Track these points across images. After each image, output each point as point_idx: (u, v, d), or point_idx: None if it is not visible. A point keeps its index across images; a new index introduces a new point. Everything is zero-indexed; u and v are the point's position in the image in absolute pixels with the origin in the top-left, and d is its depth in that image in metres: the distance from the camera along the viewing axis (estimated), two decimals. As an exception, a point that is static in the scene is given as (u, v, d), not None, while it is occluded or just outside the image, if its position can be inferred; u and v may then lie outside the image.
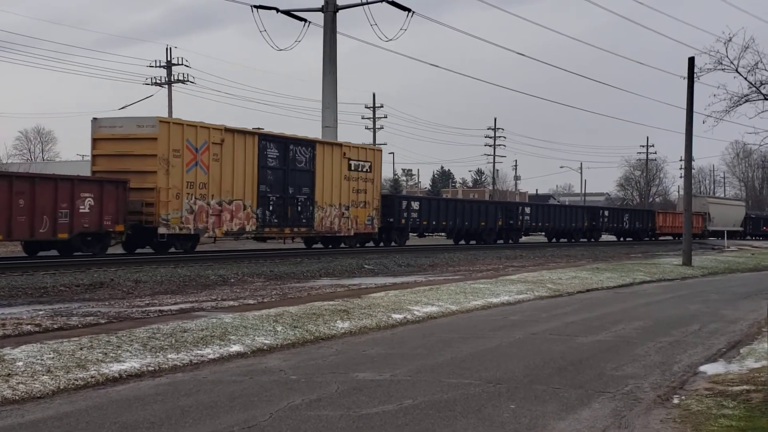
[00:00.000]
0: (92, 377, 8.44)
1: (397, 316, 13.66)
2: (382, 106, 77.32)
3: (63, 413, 7.17)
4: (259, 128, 29.20)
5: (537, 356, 10.33)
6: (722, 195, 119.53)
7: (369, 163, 34.57)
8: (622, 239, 61.81)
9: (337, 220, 32.76)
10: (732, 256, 40.12)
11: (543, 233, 52.96)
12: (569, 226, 53.19)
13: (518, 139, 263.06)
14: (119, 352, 9.39)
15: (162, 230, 25.42)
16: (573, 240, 53.63)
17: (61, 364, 8.61)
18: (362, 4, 39.61)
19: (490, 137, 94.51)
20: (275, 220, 29.87)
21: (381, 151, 36.20)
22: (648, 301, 18.15)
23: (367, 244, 35.91)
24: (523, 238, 50.55)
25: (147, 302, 14.61)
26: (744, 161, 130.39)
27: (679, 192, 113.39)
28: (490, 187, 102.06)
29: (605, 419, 7.26)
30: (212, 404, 7.54)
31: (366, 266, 25.23)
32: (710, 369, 9.84)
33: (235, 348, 10.32)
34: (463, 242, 44.61)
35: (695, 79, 30.72)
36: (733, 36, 25.82)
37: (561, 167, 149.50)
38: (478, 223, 43.79)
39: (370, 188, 34.67)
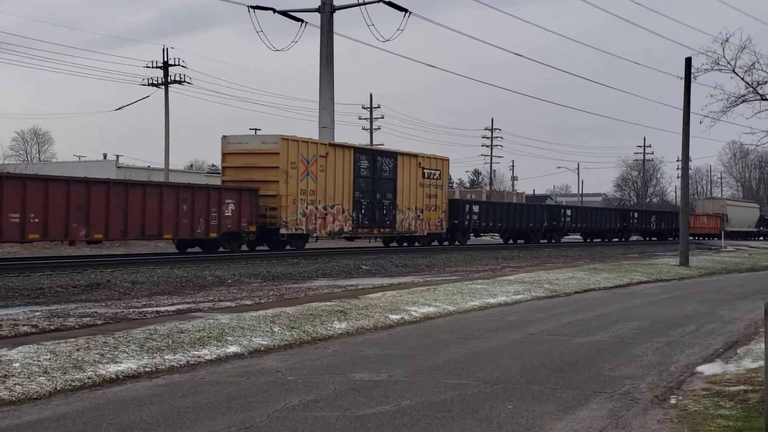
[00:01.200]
0: (89, 378, 8.43)
1: (395, 317, 13.65)
2: (379, 107, 77.32)
3: (60, 414, 7.16)
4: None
5: (534, 357, 10.33)
6: (718, 195, 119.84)
7: (439, 171, 38.82)
8: (647, 239, 65.56)
9: (414, 221, 37.10)
10: (729, 257, 40.16)
11: (579, 234, 57.19)
12: (603, 226, 57.72)
13: (515, 140, 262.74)
14: (116, 353, 9.38)
15: (283, 231, 29.86)
16: (606, 240, 57.86)
17: (57, 365, 8.60)
18: (359, 5, 39.62)
19: (487, 137, 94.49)
20: (366, 222, 34.28)
21: (448, 160, 39.99)
22: (645, 301, 18.16)
23: (432, 243, 39.32)
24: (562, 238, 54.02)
25: (144, 303, 14.59)
26: (741, 161, 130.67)
27: (676, 192, 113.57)
28: (488, 188, 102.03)
29: (602, 419, 7.26)
30: (209, 405, 7.54)
31: (363, 267, 25.22)
32: (707, 369, 9.85)
33: (232, 349, 10.31)
34: (511, 241, 48.39)
35: (692, 80, 30.76)
36: (730, 36, 25.91)
37: (558, 168, 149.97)
38: (527, 224, 47.95)
39: (440, 193, 38.90)
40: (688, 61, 31.10)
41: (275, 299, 15.35)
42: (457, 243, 41.35)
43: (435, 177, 38.45)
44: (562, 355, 10.54)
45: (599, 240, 57.42)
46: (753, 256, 42.08)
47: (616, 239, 59.15)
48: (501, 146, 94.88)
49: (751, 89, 26.10)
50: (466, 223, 42.09)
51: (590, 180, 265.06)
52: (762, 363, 9.56)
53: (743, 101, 26.42)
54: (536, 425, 7.01)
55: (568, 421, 7.15)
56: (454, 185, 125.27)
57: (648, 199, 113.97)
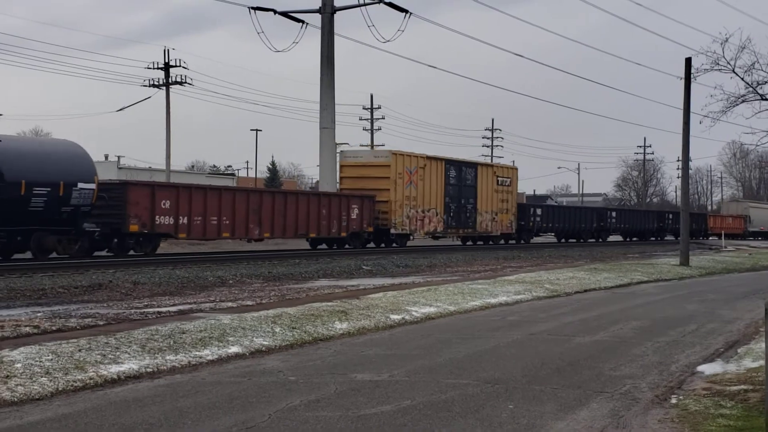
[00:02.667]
0: (91, 379, 8.45)
1: (396, 317, 13.67)
2: (379, 107, 77.34)
3: (61, 415, 7.18)
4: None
5: (535, 357, 10.34)
6: (720, 197, 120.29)
7: (509, 179, 44.20)
8: (678, 238, 67.60)
9: (490, 222, 42.45)
10: (730, 256, 40.16)
11: (620, 233, 61.72)
12: (642, 227, 63.19)
13: (516, 140, 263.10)
14: (118, 353, 9.40)
15: (392, 231, 35.36)
16: (644, 239, 62.26)
17: (59, 366, 8.61)
18: (359, 6, 39.65)
19: (488, 138, 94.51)
20: (453, 223, 39.66)
21: (517, 169, 46.20)
22: (645, 301, 18.17)
23: (500, 242, 44.26)
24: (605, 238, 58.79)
25: (145, 304, 14.60)
26: (741, 161, 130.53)
27: (676, 192, 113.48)
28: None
29: (603, 419, 7.28)
30: (211, 405, 7.55)
31: (364, 267, 25.22)
32: (708, 369, 9.86)
33: (234, 349, 10.33)
34: (563, 240, 53.11)
35: (692, 80, 30.73)
36: (729, 36, 25.85)
37: (558, 168, 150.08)
38: (580, 225, 53.61)
39: (510, 198, 44.27)
40: (688, 61, 31.08)
41: (277, 300, 15.36)
42: (522, 242, 46.56)
43: (506, 184, 43.68)
44: (563, 354, 10.56)
45: (636, 239, 61.72)
46: (753, 256, 42.08)
47: (653, 238, 63.84)
48: (501, 146, 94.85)
49: (750, 89, 26.07)
50: (531, 224, 47.59)
51: (591, 180, 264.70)
52: (762, 362, 9.58)
53: (743, 101, 26.38)
54: (537, 425, 7.02)
55: (569, 421, 7.17)
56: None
57: (648, 199, 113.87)
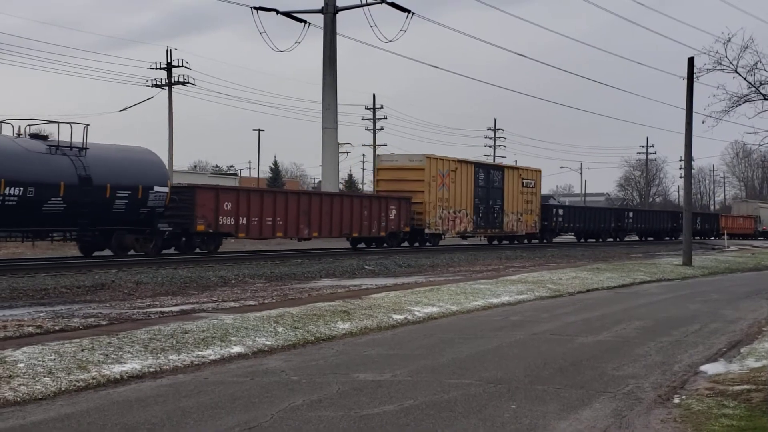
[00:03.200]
0: (93, 378, 8.45)
1: (398, 317, 13.67)
2: (382, 107, 77.32)
3: (64, 414, 7.19)
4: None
5: (538, 356, 10.34)
6: (722, 197, 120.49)
7: (533, 181, 45.96)
8: (694, 237, 70.23)
9: (516, 223, 44.19)
10: (732, 256, 40.11)
11: (636, 233, 63.56)
12: (657, 227, 65.03)
13: (518, 140, 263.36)
14: (120, 353, 9.40)
15: (426, 231, 37.18)
16: (659, 239, 63.66)
17: (62, 366, 8.62)
18: (362, 6, 39.70)
19: (490, 138, 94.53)
20: (482, 224, 41.51)
21: (540, 171, 47.86)
22: (648, 301, 18.16)
23: (524, 241, 45.84)
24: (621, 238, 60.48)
25: (148, 304, 14.61)
26: (744, 161, 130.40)
27: (678, 192, 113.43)
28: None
29: (606, 419, 7.27)
30: (213, 405, 7.56)
31: (366, 267, 25.21)
32: (711, 369, 9.85)
33: (237, 349, 10.33)
34: (583, 240, 54.86)
35: (695, 80, 30.68)
36: (732, 36, 25.83)
37: (561, 168, 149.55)
38: (599, 225, 55.44)
39: (534, 199, 46.10)
40: (691, 61, 31.03)
41: (279, 299, 15.37)
42: (545, 241, 48.15)
43: (531, 186, 45.50)
44: (565, 354, 10.55)
45: (652, 238, 63.46)
46: (756, 255, 42.02)
47: (668, 238, 64.71)
48: (504, 146, 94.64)
49: (753, 89, 26.06)
50: (554, 224, 49.43)
51: (593, 180, 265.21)
52: (765, 362, 9.59)
53: (746, 101, 26.39)
54: (540, 425, 7.02)
55: (571, 421, 7.17)
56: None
57: (651, 199, 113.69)
